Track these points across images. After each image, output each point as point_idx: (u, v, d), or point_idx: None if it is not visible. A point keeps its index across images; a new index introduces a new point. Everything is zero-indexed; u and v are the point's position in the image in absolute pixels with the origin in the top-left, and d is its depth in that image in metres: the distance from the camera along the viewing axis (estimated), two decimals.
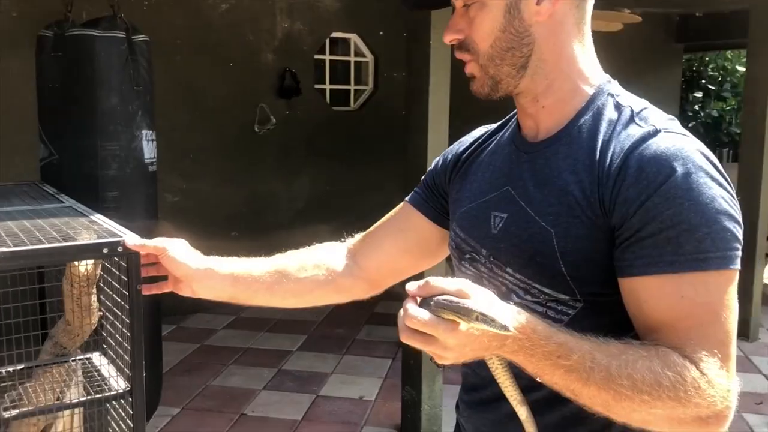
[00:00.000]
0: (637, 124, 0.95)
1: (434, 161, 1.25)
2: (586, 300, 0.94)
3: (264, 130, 5.51)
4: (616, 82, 1.04)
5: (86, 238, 1.36)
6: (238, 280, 1.19)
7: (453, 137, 3.39)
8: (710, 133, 9.22)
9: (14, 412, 1.32)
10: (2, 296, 1.43)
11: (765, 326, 5.08)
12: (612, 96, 1.00)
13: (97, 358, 1.57)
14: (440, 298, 0.80)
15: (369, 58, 6.13)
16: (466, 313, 0.78)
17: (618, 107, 0.98)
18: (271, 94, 5.53)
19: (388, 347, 4.66)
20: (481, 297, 0.80)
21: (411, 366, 3.41)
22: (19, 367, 1.50)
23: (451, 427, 3.70)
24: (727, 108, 9.44)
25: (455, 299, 0.80)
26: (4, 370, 1.50)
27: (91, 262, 1.33)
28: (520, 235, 0.99)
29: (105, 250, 1.30)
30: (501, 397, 0.92)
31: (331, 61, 6.00)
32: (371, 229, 1.29)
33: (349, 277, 1.25)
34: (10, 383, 1.48)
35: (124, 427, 1.38)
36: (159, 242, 1.20)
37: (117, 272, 1.41)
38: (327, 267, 1.24)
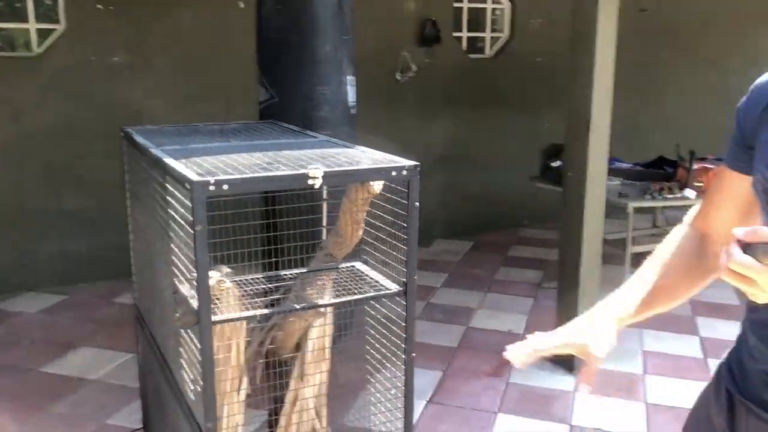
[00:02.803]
0: None
1: (736, 115, 1.22)
2: None
3: (405, 78, 5.73)
4: None
5: (369, 163, 1.63)
6: (642, 312, 1.27)
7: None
8: None
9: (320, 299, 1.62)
10: (276, 213, 1.73)
11: None
12: None
13: (360, 265, 1.86)
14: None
15: (505, 5, 6.18)
16: None
17: None
18: (412, 42, 5.72)
19: (529, 287, 4.87)
20: None
21: (566, 300, 3.61)
22: (303, 270, 1.81)
23: (606, 359, 3.91)
24: None
25: None
26: (287, 273, 1.83)
27: (380, 182, 1.59)
28: None
29: (393, 173, 1.56)
30: None
31: (468, 8, 6.09)
32: (709, 208, 1.31)
33: (711, 262, 1.27)
34: (292, 283, 1.80)
35: (393, 323, 1.67)
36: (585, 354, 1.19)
37: (388, 194, 1.68)
38: (695, 262, 1.28)
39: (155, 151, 1.71)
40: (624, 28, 3.45)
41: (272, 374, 2.18)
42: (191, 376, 1.59)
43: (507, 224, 6.26)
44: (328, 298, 1.73)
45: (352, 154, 1.72)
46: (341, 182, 1.54)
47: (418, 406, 3.28)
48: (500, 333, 4.13)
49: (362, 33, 5.42)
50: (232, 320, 1.56)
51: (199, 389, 1.53)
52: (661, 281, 1.26)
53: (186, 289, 1.60)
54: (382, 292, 1.66)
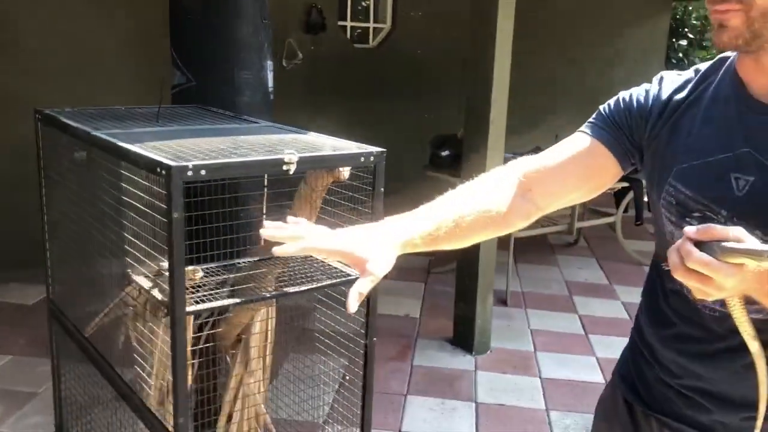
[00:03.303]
0: None
1: (620, 99, 1.20)
2: None
3: (291, 65, 5.67)
4: None
5: (332, 149, 1.62)
6: (428, 243, 1.15)
7: (513, 82, 3.59)
8: None
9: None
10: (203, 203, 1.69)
11: None
12: None
13: None
14: (724, 243, 0.82)
15: None
16: (758, 254, 0.81)
17: None
18: (298, 29, 5.67)
19: (419, 272, 5.01)
20: (757, 241, 0.83)
21: (466, 286, 3.77)
22: (255, 259, 1.77)
23: (499, 339, 4.11)
24: (709, 56, 9.89)
25: (739, 244, 0.82)
26: (237, 262, 1.78)
27: (348, 168, 1.59)
28: None
29: (362, 159, 1.57)
30: (731, 350, 1.03)
31: None
32: (548, 163, 1.22)
33: (522, 217, 1.23)
34: (242, 273, 1.76)
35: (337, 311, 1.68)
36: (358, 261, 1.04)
37: (347, 180, 1.68)
38: (500, 209, 1.20)
39: (102, 135, 1.60)
40: None
41: (207, 367, 2.12)
42: (153, 372, 1.52)
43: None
44: (273, 287, 1.71)
45: (311, 141, 1.71)
46: (313, 167, 1.52)
47: (330, 393, 3.30)
48: (399, 318, 4.24)
49: None
50: (206, 310, 1.50)
51: (164, 383, 1.47)
52: (458, 221, 1.15)
53: (142, 280, 1.53)
54: (344, 279, 1.67)
